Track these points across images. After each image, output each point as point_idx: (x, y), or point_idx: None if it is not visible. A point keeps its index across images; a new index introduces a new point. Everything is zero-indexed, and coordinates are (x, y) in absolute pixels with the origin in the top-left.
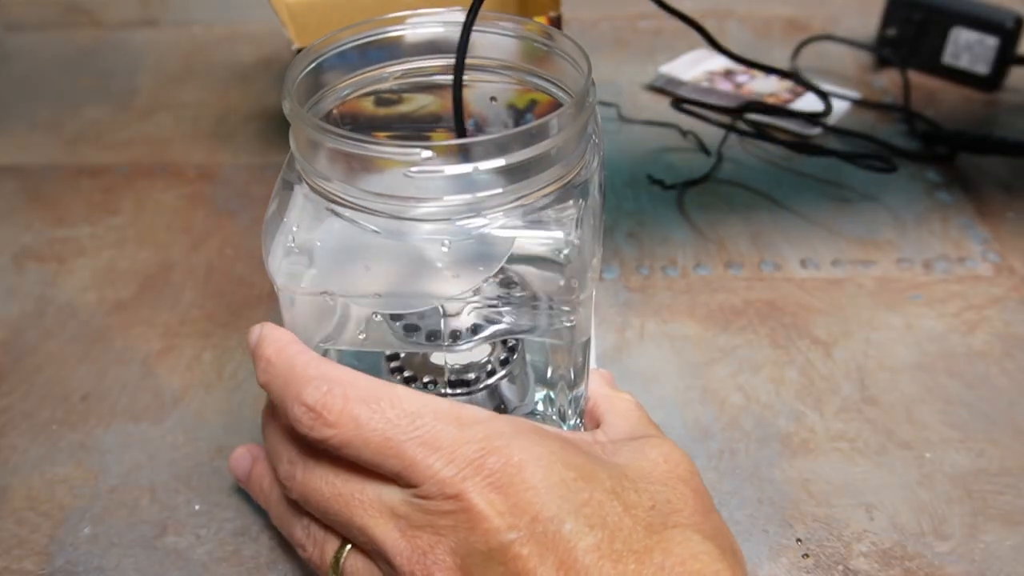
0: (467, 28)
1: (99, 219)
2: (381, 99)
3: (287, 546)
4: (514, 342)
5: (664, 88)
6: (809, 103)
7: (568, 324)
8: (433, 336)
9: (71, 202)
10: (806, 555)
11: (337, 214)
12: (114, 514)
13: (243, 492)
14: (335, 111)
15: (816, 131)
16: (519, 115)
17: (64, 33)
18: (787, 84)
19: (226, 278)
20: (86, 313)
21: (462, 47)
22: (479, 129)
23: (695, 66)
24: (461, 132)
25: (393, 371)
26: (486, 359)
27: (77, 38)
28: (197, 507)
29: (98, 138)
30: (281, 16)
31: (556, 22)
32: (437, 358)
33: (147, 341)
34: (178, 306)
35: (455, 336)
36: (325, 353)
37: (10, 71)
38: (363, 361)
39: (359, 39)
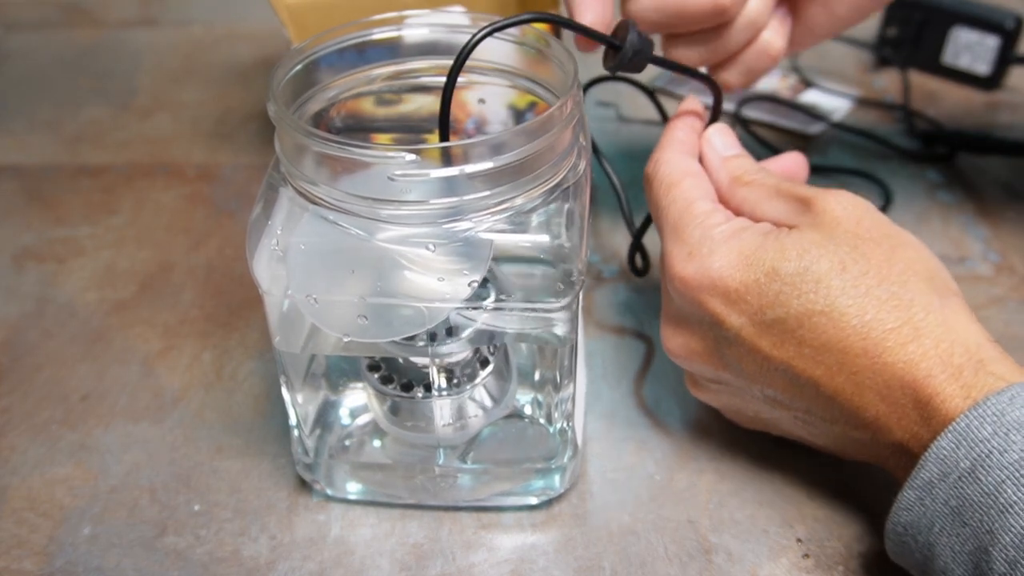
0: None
1: (99, 219)
2: (381, 99)
3: (287, 546)
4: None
5: (666, 88)
6: (810, 101)
7: (554, 328)
8: (427, 338)
9: (71, 202)
10: (806, 555)
11: (322, 217)
12: (114, 514)
13: (243, 492)
14: (333, 111)
15: (817, 130)
16: (519, 115)
17: (64, 33)
18: (788, 82)
19: (226, 278)
20: (86, 313)
21: (455, 67)
22: (479, 129)
23: None
24: (445, 136)
25: (370, 369)
26: (469, 358)
27: (77, 38)
28: (197, 507)
29: (98, 138)
30: (281, 16)
31: None
32: (417, 358)
33: (147, 341)
34: (178, 306)
35: (437, 337)
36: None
37: (10, 71)
38: (345, 359)
39: (347, 40)
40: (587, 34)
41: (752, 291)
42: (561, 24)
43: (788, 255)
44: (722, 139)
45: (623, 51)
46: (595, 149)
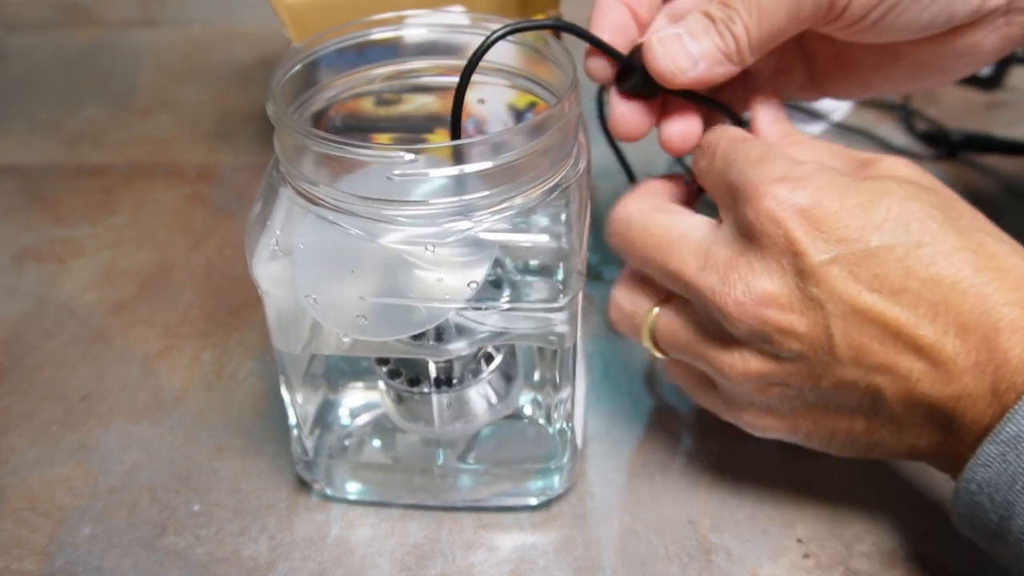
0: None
1: (99, 219)
2: (381, 99)
3: (287, 546)
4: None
5: None
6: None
7: (554, 327)
8: (421, 338)
9: (71, 202)
10: (807, 555)
11: (321, 217)
12: (114, 514)
13: (243, 492)
14: (333, 112)
15: (817, 130)
16: (519, 116)
17: (64, 33)
18: None
19: (226, 278)
20: (86, 313)
21: (466, 72)
22: (479, 129)
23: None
24: (457, 136)
25: (379, 362)
26: (473, 357)
27: (77, 38)
28: (197, 507)
29: (98, 138)
30: (281, 16)
31: None
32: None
33: (147, 341)
34: (178, 306)
35: (438, 336)
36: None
37: (10, 71)
38: (345, 359)
39: (346, 40)
40: (604, 49)
41: (855, 215)
42: (579, 35)
43: (887, 187)
44: (768, 110)
45: (638, 73)
46: (620, 157)
